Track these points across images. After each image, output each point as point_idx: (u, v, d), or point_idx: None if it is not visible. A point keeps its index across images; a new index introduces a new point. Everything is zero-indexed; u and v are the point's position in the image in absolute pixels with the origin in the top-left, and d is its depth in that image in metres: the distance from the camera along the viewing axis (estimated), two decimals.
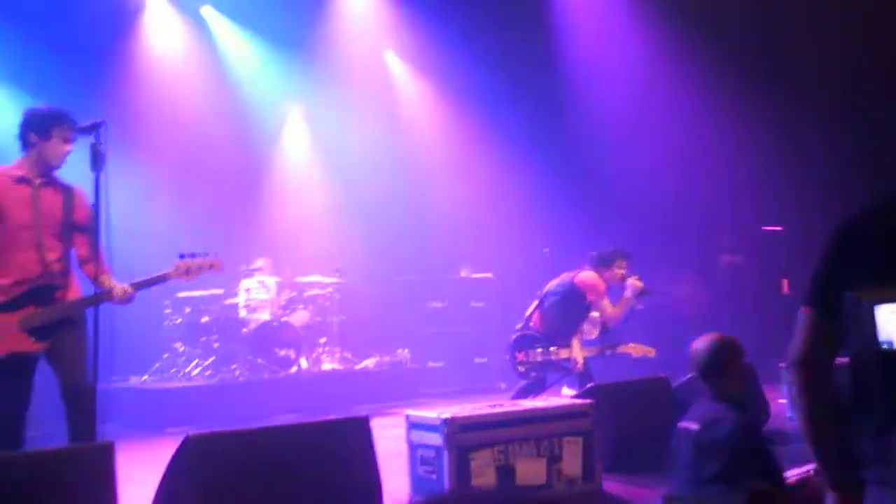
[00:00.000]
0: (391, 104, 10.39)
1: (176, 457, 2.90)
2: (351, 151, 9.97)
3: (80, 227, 3.80)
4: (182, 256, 3.95)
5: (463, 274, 9.59)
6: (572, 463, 3.92)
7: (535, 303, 5.82)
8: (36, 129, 3.78)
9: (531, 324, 5.73)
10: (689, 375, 4.63)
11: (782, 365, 5.31)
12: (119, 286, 3.80)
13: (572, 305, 5.63)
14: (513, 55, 9.38)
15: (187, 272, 3.94)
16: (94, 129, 3.73)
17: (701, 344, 3.31)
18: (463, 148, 9.87)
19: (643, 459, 4.35)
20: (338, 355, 8.70)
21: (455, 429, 3.64)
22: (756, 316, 8.16)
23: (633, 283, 5.61)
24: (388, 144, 9.96)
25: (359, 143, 9.91)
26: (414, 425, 3.89)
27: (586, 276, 5.67)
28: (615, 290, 5.83)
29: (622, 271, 5.69)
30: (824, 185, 7.99)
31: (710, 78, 8.47)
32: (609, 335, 5.77)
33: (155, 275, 4.02)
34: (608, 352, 5.70)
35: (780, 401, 5.91)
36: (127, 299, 3.79)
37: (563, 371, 5.61)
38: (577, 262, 5.97)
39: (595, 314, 5.74)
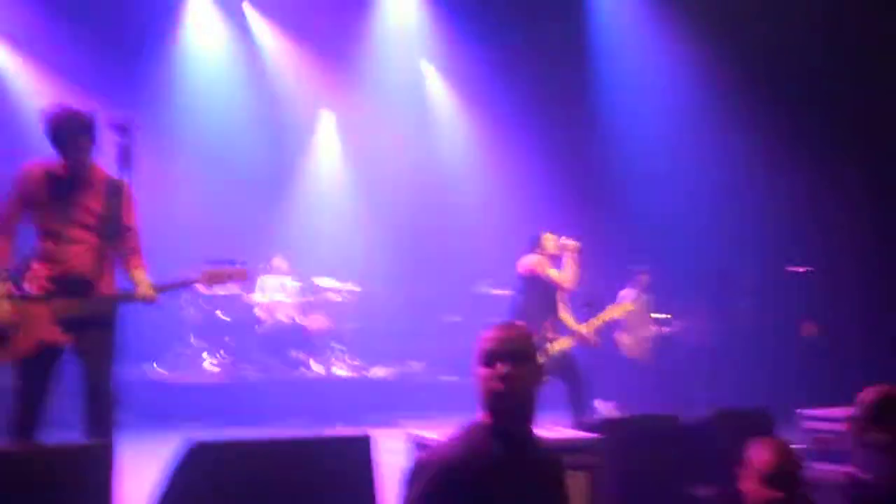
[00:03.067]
0: (424, 115, 10.40)
1: (176, 462, 2.88)
2: (380, 159, 9.99)
3: (121, 222, 3.74)
4: (208, 262, 3.94)
5: (483, 289, 9.53)
6: (577, 498, 3.84)
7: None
8: (57, 133, 3.69)
9: None
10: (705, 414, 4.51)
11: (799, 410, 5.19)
12: (144, 286, 3.76)
13: (530, 293, 5.69)
14: (547, 75, 9.34)
15: (211, 279, 3.92)
16: (124, 128, 3.70)
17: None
18: (493, 164, 9.85)
19: (651, 499, 4.25)
20: (348, 362, 8.69)
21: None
22: (774, 357, 8.02)
23: (565, 242, 5.77)
24: (417, 154, 9.97)
25: (388, 151, 9.92)
26: (416, 445, 3.83)
27: (523, 261, 5.82)
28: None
29: (554, 241, 5.81)
30: (851, 228, 7.87)
31: (747, 115, 8.37)
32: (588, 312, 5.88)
33: (180, 279, 4.00)
34: (585, 330, 5.72)
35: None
36: (149, 300, 3.76)
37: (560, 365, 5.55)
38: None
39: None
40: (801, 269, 7.18)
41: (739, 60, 8.32)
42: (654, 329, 8.45)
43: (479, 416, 2.15)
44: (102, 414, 3.62)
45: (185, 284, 4.03)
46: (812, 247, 7.79)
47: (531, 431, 2.19)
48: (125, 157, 3.71)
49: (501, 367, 2.07)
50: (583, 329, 5.73)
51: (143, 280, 3.82)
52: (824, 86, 8.04)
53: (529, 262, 5.80)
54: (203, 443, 2.78)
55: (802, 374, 7.30)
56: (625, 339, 8.40)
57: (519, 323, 2.32)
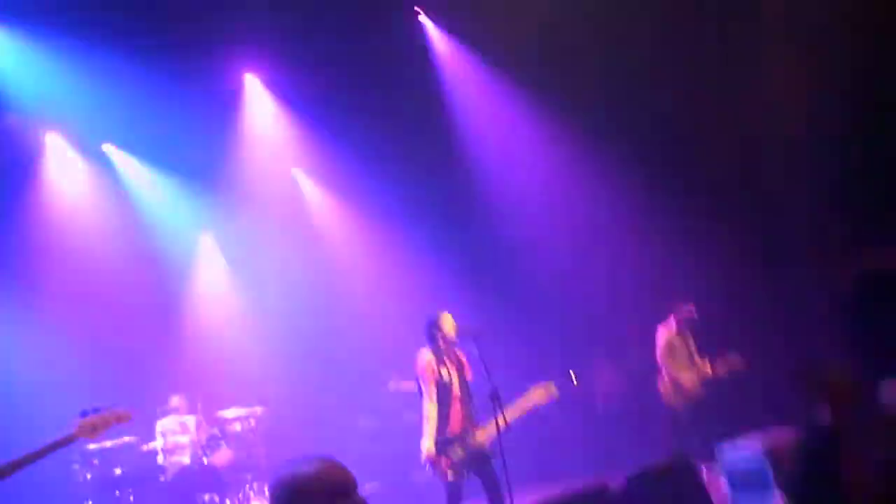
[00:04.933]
0: (302, 222, 10.35)
1: None
2: (264, 275, 9.81)
3: None
4: (84, 414, 3.71)
5: (392, 387, 9.31)
6: None
7: None
8: None
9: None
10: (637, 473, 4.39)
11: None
12: None
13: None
14: (413, 162, 9.49)
15: (93, 430, 3.66)
16: None
17: None
18: (376, 260, 9.83)
19: None
20: (267, 492, 8.18)
21: None
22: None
23: (463, 327, 5.40)
24: (300, 263, 9.84)
25: (271, 265, 9.78)
26: None
27: (417, 360, 5.47)
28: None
29: (451, 323, 5.44)
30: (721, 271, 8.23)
31: (614, 171, 8.71)
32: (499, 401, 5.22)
33: (55, 440, 3.73)
34: (507, 417, 5.10)
35: None
36: None
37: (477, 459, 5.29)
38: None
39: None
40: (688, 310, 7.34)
41: (584, 115, 8.65)
42: (697, 371, 7.26)
43: None
44: None
45: (63, 444, 3.74)
46: (687, 282, 8.05)
47: None
48: None
49: (359, 498, 1.92)
50: (492, 427, 5.16)
51: None
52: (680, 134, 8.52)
53: (418, 365, 5.46)
54: None
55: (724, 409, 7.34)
56: (669, 385, 7.30)
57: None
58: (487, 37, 8.55)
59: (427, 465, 5.32)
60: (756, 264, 8.15)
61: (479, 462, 5.32)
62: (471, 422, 5.43)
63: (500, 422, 5.06)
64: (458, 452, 5.31)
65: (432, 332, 5.50)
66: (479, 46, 8.91)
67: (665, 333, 7.31)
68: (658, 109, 8.10)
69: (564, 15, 7.72)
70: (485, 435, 5.33)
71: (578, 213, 9.05)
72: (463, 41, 9.06)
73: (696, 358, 7.35)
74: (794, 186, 7.82)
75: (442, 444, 5.31)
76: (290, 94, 9.44)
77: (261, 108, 9.69)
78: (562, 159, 8.95)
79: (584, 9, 7.64)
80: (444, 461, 5.29)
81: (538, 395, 5.49)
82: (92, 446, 7.64)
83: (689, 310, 7.31)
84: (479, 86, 9.14)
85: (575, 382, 5.51)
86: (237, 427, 8.38)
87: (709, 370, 7.22)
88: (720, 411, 7.05)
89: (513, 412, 5.30)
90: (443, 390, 5.40)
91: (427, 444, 5.27)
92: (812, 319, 7.81)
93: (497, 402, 5.12)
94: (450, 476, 5.30)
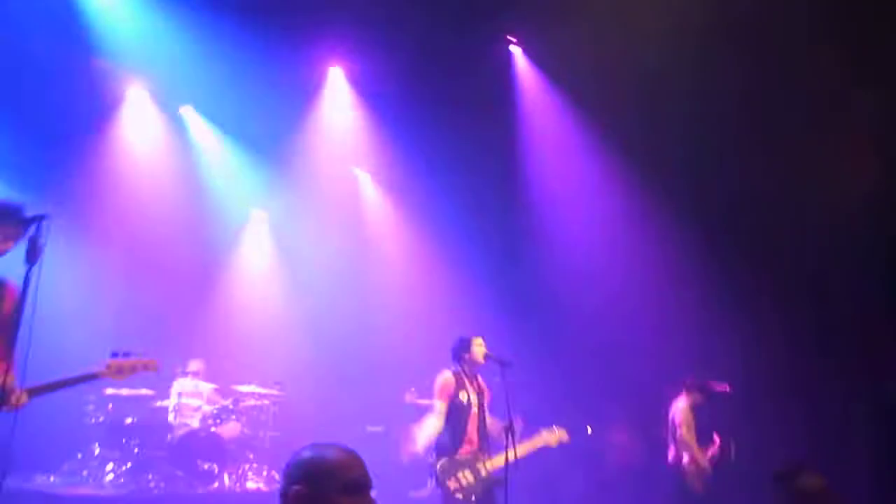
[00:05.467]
0: (355, 221, 10.45)
1: None
2: (309, 263, 9.91)
3: (1, 323, 3.57)
4: (115, 355, 3.78)
5: (407, 399, 9.30)
6: None
7: None
8: None
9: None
10: None
11: None
12: (14, 396, 3.52)
13: (448, 414, 5.34)
14: (480, 188, 9.55)
15: (119, 372, 3.73)
16: (35, 221, 3.57)
17: None
18: (421, 273, 9.86)
19: None
20: (265, 474, 8.22)
21: None
22: None
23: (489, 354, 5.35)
24: (346, 260, 9.93)
25: (317, 255, 9.87)
26: None
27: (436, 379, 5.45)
28: (488, 371, 5.50)
29: (482, 349, 5.41)
30: (771, 352, 8.06)
31: (676, 230, 8.61)
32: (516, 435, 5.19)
33: (82, 373, 3.80)
34: (516, 453, 5.03)
35: None
36: (18, 407, 3.51)
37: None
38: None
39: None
40: (719, 388, 7.21)
41: (660, 176, 8.62)
42: (714, 448, 6.97)
43: None
44: None
45: (88, 379, 3.81)
46: (726, 361, 7.90)
47: None
48: (33, 251, 3.55)
49: (370, 499, 1.91)
50: (501, 459, 5.13)
51: (9, 384, 3.56)
52: (738, 203, 8.42)
53: (436, 382, 5.42)
54: None
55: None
56: (691, 463, 6.97)
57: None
58: (578, 77, 8.52)
59: (435, 482, 5.30)
60: (802, 354, 7.96)
61: (486, 490, 5.28)
62: (483, 449, 5.40)
63: (510, 455, 5.02)
64: (467, 477, 5.28)
65: (460, 353, 5.50)
66: (567, 83, 8.91)
67: (685, 408, 7.12)
68: (735, 186, 8.03)
69: (662, 75, 7.64)
70: (494, 465, 5.30)
71: (633, 271, 8.95)
72: (551, 77, 9.09)
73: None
74: (858, 285, 7.65)
75: (452, 465, 5.28)
76: (368, 94, 9.59)
77: (338, 101, 9.85)
78: (626, 214, 8.90)
79: (685, 69, 7.55)
80: (453, 482, 5.26)
81: (549, 437, 5.58)
82: (110, 390, 7.79)
83: (719, 387, 7.16)
84: (558, 124, 9.16)
85: (589, 432, 5.55)
86: (250, 403, 8.45)
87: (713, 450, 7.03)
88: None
89: (522, 448, 5.32)
90: (458, 412, 5.38)
91: (412, 449, 5.25)
92: (844, 426, 7.59)
93: (511, 435, 5.11)
94: (457, 497, 5.27)
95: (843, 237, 7.69)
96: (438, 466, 5.28)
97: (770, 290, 8.25)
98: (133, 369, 3.80)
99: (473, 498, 5.27)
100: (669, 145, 8.27)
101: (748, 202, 8.17)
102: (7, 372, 3.56)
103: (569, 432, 5.77)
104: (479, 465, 5.30)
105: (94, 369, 3.74)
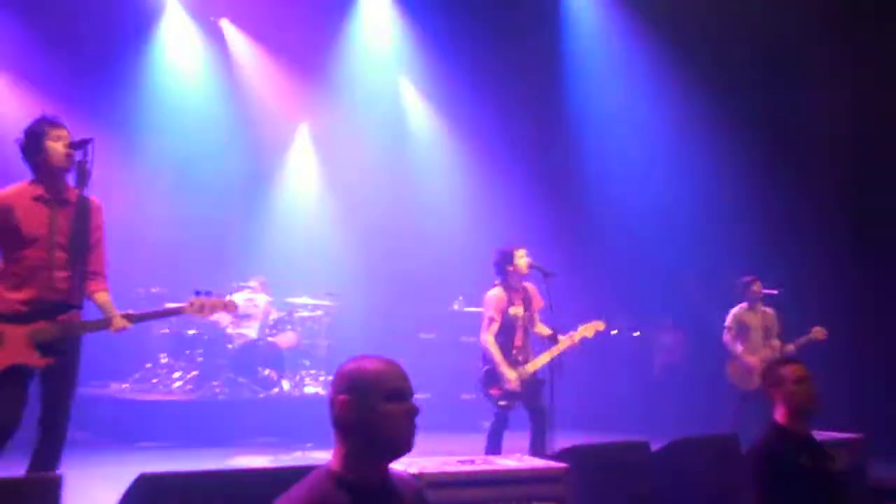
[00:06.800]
0: (400, 131, 10.39)
1: (126, 495, 2.81)
2: (355, 175, 9.95)
3: (89, 243, 3.74)
4: (198, 293, 3.97)
5: (456, 307, 9.50)
6: None
7: None
8: (30, 143, 3.72)
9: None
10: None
11: None
12: (118, 319, 3.73)
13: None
14: (525, 94, 9.37)
15: (201, 309, 3.93)
16: (82, 145, 3.68)
17: None
18: (470, 181, 9.84)
19: None
20: (322, 379, 8.59)
21: (422, 486, 3.53)
22: None
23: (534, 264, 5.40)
24: (393, 171, 9.94)
25: (365, 166, 9.90)
26: None
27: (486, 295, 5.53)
28: (534, 281, 5.59)
29: (525, 260, 5.45)
30: (814, 257, 7.94)
31: (725, 132, 8.39)
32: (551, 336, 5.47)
33: (166, 309, 4.16)
34: (556, 352, 5.34)
35: None
36: (121, 329, 3.74)
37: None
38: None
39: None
40: (770, 291, 7.15)
41: (717, 79, 8.34)
42: (771, 353, 6.88)
43: (331, 462, 1.96)
44: (53, 444, 3.57)
45: (174, 313, 4.10)
46: (786, 265, 7.81)
47: (387, 474, 2.01)
48: (81, 175, 3.67)
49: (412, 405, 1.99)
50: (543, 358, 5.39)
51: (108, 304, 3.80)
52: (806, 108, 8.13)
53: (490, 298, 5.49)
54: (150, 475, 2.72)
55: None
56: (737, 367, 7.02)
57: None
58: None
59: (482, 389, 5.48)
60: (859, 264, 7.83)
61: (529, 393, 5.44)
62: (528, 354, 5.55)
63: (553, 353, 5.34)
64: (512, 382, 5.43)
65: (504, 266, 5.54)
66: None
67: (737, 311, 7.14)
68: (806, 108, 7.75)
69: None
70: (535, 366, 5.46)
71: (683, 177, 8.78)
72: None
73: (774, 340, 7.15)
74: None
75: (498, 373, 5.43)
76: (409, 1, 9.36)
77: (382, 10, 9.64)
78: (673, 120, 8.68)
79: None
80: (496, 388, 5.44)
81: (585, 330, 5.56)
82: (173, 304, 8.14)
83: (769, 289, 7.12)
84: (607, 31, 8.86)
85: (637, 335, 5.59)
86: (304, 315, 8.75)
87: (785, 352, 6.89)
88: None
89: (562, 344, 5.44)
90: (507, 325, 5.52)
91: (511, 374, 5.40)
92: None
93: (553, 341, 5.42)
94: (500, 402, 5.45)
95: None
96: (484, 374, 5.47)
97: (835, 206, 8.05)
98: (213, 308, 3.98)
99: (516, 403, 5.46)
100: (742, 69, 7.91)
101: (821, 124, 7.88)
102: (96, 288, 3.79)
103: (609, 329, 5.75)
104: (522, 370, 5.45)
105: (181, 305, 3.96)
